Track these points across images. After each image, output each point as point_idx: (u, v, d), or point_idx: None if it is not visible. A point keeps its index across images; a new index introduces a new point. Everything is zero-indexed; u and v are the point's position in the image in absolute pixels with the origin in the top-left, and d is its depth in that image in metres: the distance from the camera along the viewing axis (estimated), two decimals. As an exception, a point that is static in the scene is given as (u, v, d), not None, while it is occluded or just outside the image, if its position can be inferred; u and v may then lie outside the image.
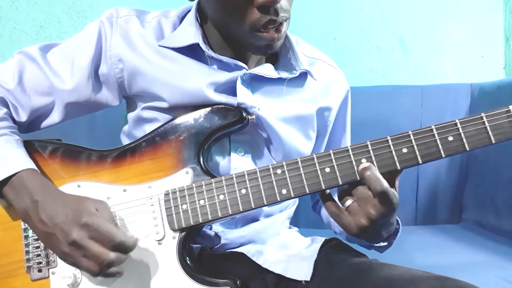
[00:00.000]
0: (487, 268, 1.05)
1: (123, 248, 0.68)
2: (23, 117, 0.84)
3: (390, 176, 0.68)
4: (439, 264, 1.07)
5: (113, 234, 0.67)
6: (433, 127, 0.67)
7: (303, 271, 0.77)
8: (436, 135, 0.67)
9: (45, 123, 0.87)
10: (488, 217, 1.41)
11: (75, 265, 0.68)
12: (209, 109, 0.79)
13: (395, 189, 0.69)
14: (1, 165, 0.73)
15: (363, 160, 0.68)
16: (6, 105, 0.83)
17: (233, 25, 0.76)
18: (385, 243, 0.81)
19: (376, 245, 0.80)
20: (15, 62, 0.84)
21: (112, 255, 0.66)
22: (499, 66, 1.80)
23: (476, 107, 1.53)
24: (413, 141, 0.67)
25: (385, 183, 0.65)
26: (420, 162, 0.67)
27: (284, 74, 0.85)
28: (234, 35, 0.79)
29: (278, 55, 0.90)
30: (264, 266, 0.78)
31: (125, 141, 0.90)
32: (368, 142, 0.68)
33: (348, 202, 0.68)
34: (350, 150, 0.69)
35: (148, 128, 0.83)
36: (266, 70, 0.84)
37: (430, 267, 0.75)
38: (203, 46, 0.81)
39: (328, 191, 0.71)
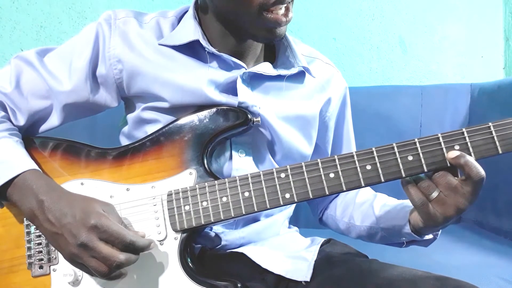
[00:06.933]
0: (487, 268, 1.05)
1: (133, 248, 0.68)
2: (21, 121, 0.83)
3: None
4: (439, 264, 1.07)
5: (123, 235, 0.67)
6: (439, 135, 0.67)
7: (303, 272, 0.78)
8: (442, 144, 0.66)
9: (43, 127, 0.87)
10: (488, 217, 1.42)
11: (84, 266, 0.68)
12: (214, 110, 0.79)
13: None
14: (3, 168, 0.73)
15: (368, 167, 0.68)
16: (4, 108, 0.83)
17: (240, 7, 0.76)
18: (432, 236, 0.79)
19: (425, 238, 0.78)
20: (12, 66, 0.84)
21: (121, 256, 0.66)
22: (499, 66, 1.80)
23: (476, 107, 1.53)
24: (419, 149, 0.67)
25: (483, 170, 0.64)
26: (426, 170, 0.67)
27: (283, 72, 0.86)
28: (239, 21, 0.79)
29: (276, 53, 0.90)
30: (264, 266, 0.79)
31: (125, 142, 0.89)
32: (374, 149, 0.68)
33: (435, 193, 0.67)
34: (355, 156, 0.69)
35: (149, 129, 0.83)
36: (265, 68, 0.84)
37: (430, 267, 0.76)
38: (203, 42, 0.81)
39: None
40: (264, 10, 0.75)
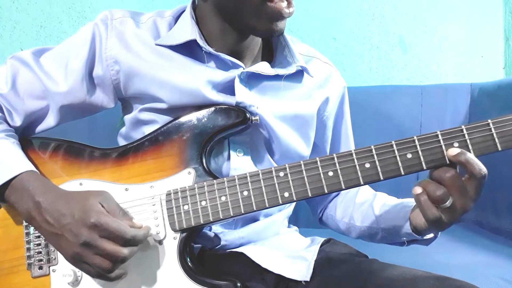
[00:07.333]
0: (487, 268, 1.05)
1: (134, 242, 0.68)
2: (17, 121, 0.83)
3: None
4: (439, 264, 1.07)
5: (124, 230, 0.67)
6: (438, 132, 0.66)
7: (302, 272, 0.77)
8: (441, 141, 0.66)
9: (40, 128, 0.86)
10: (488, 217, 1.42)
11: (87, 264, 0.68)
12: (212, 109, 0.79)
13: None
14: (0, 170, 0.73)
15: (367, 165, 0.68)
16: (0, 109, 0.83)
17: None
18: (433, 235, 0.78)
19: (426, 237, 0.77)
20: (8, 67, 0.84)
21: (125, 251, 0.67)
22: (499, 66, 1.80)
23: (476, 107, 1.53)
24: (418, 146, 0.67)
25: (484, 167, 0.63)
26: (425, 168, 0.66)
27: (281, 71, 0.85)
28: (240, 12, 0.78)
29: (274, 52, 0.90)
30: (264, 266, 0.78)
31: (123, 143, 0.89)
32: (372, 147, 0.68)
33: (449, 202, 0.64)
34: (354, 154, 0.68)
35: (147, 130, 0.83)
36: (263, 67, 0.84)
37: (430, 267, 0.75)
38: (200, 41, 0.81)
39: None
40: (266, 0, 0.75)
